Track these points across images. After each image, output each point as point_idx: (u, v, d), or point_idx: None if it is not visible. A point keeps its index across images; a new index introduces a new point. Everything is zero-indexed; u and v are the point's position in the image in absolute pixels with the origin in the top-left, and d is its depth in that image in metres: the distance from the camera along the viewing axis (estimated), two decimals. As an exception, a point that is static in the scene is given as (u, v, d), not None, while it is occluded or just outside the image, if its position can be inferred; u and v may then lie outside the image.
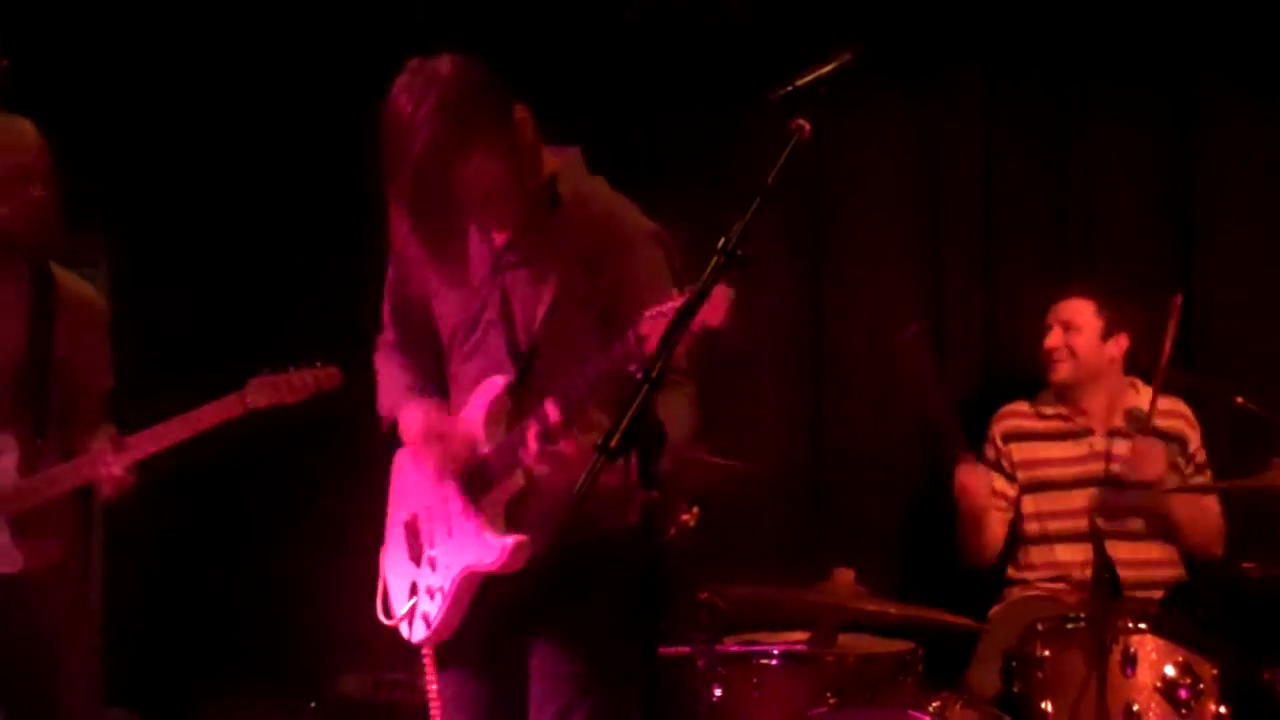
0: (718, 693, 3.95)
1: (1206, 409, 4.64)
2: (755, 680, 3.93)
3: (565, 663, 3.08)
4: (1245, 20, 4.93)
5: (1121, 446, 4.56)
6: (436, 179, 2.90)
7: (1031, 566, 4.61)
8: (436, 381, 3.27)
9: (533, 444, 2.86)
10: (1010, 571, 4.66)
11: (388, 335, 3.37)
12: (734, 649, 4.06)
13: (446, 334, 3.22)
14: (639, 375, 2.46)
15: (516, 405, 3.05)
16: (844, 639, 4.01)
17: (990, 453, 4.69)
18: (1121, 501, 4.50)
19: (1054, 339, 4.59)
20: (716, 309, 2.50)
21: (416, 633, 3.20)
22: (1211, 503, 4.58)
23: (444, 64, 2.97)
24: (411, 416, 3.16)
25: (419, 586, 3.20)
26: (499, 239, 3.14)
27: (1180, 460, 4.57)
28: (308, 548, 4.84)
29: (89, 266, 5.00)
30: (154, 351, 4.90)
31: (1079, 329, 4.56)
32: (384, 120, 2.94)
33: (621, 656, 2.85)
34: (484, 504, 3.07)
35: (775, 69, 2.64)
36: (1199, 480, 4.57)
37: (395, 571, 3.29)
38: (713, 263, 2.50)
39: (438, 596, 3.13)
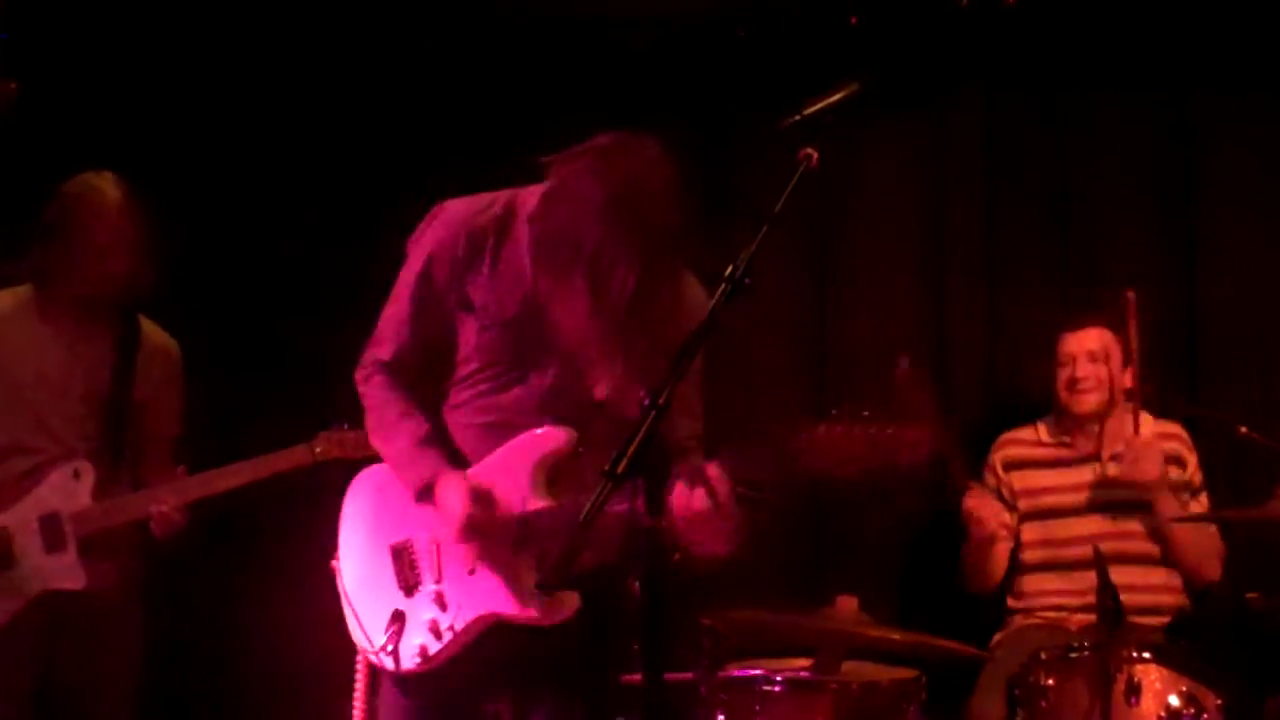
0: (720, 719, 3.94)
1: (1209, 439, 4.64)
2: (758, 707, 3.91)
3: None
4: (1245, 37, 4.95)
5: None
6: (654, 299, 2.86)
7: (1032, 595, 4.60)
8: (426, 408, 3.21)
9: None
10: (1010, 601, 4.65)
11: (381, 353, 3.22)
12: (737, 675, 4.05)
13: (476, 360, 3.12)
14: (646, 402, 2.47)
15: (580, 461, 3.01)
16: (847, 666, 4.00)
17: (990, 480, 4.69)
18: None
19: (1084, 369, 4.54)
20: (915, 451, 2.66)
21: (404, 663, 3.12)
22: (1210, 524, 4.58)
23: (652, 151, 2.95)
24: (454, 496, 3.02)
25: (408, 617, 3.13)
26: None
27: (1178, 479, 4.57)
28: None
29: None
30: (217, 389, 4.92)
31: (1104, 359, 4.54)
32: (588, 213, 2.85)
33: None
34: (525, 553, 3.02)
35: (780, 94, 2.65)
36: (1198, 501, 4.57)
37: (370, 598, 3.20)
38: (720, 290, 2.51)
39: (446, 635, 3.09)
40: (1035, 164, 5.18)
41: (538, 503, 3.00)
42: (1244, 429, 4.39)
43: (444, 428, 3.19)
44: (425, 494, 3.08)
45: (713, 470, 2.78)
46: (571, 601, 3.01)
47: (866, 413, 2.69)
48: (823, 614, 4.01)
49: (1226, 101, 5.03)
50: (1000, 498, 4.65)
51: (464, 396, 3.16)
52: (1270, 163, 5.02)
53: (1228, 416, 4.47)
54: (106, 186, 4.14)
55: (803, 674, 4.00)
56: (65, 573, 4.02)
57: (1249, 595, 4.25)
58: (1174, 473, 4.56)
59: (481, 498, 3.01)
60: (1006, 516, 4.62)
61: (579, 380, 3.00)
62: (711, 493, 2.77)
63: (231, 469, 4.16)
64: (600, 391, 2.95)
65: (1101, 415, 4.58)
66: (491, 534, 3.02)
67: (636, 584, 2.54)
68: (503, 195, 3.12)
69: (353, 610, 3.22)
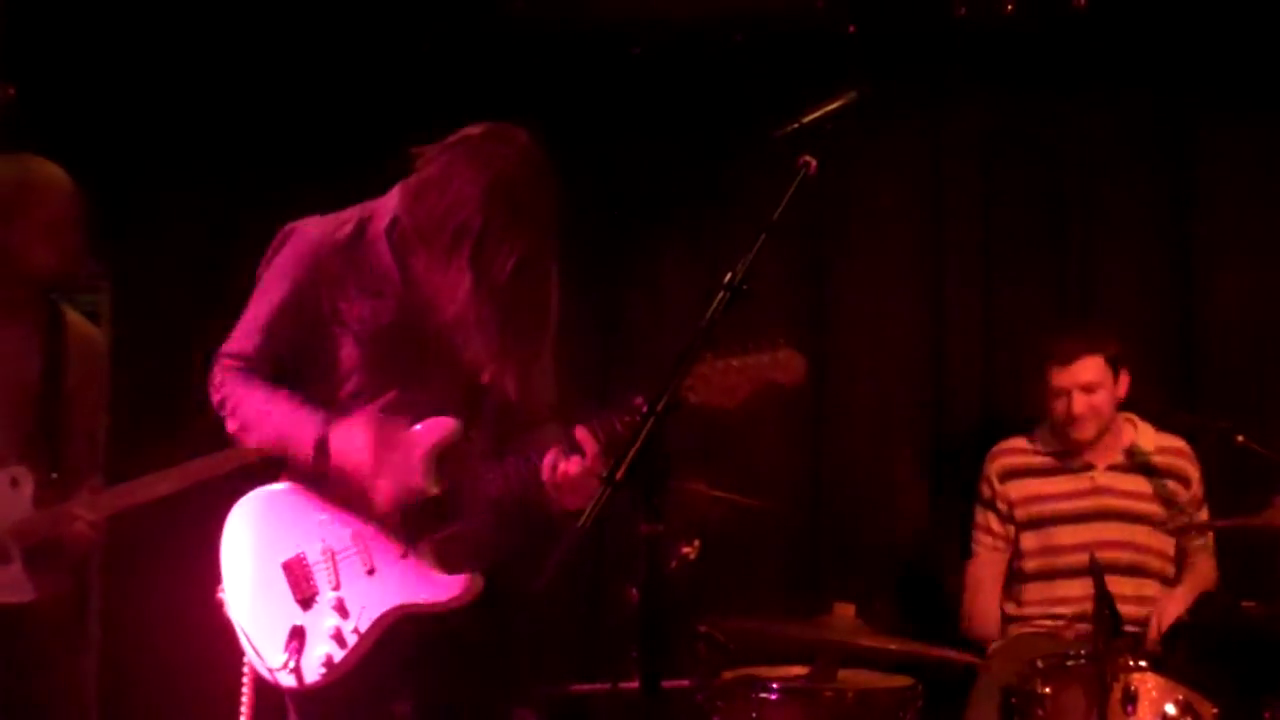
0: (717, 726, 3.94)
1: (1207, 448, 4.64)
2: (754, 714, 3.91)
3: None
4: (1243, 43, 4.96)
5: (1123, 481, 4.56)
6: (536, 279, 3.03)
7: (1029, 603, 4.60)
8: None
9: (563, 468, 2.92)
10: (1009, 608, 4.64)
11: (237, 361, 3.19)
12: (733, 682, 4.04)
13: (355, 362, 3.13)
14: (644, 408, 2.48)
15: (468, 446, 3.07)
16: (844, 674, 4.00)
17: (986, 491, 4.68)
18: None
19: (1080, 405, 4.50)
20: (793, 372, 2.81)
21: (307, 677, 3.10)
22: (1208, 565, 4.60)
23: (522, 148, 3.06)
24: (355, 433, 3.03)
25: (309, 630, 3.11)
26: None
27: (1180, 495, 4.57)
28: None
29: (91, 293, 5.02)
30: (155, 380, 4.90)
31: (1096, 388, 4.53)
32: (471, 196, 2.97)
33: None
34: (421, 543, 3.08)
35: (778, 101, 2.66)
36: (1200, 516, 4.58)
37: (265, 620, 3.17)
38: (719, 297, 2.52)
39: (351, 638, 3.09)
40: (1032, 170, 5.18)
41: (431, 490, 3.05)
42: (1241, 438, 4.39)
43: None
44: (321, 451, 3.06)
45: (581, 433, 2.91)
46: (476, 582, 3.06)
47: (739, 345, 2.83)
48: (820, 622, 4.01)
49: (1224, 108, 5.03)
50: (993, 509, 4.65)
51: (348, 409, 3.13)
52: (1267, 169, 5.02)
53: (1225, 425, 4.46)
54: (50, 168, 3.86)
55: (799, 681, 4.00)
56: (12, 587, 3.70)
57: (1245, 604, 4.25)
58: (1175, 488, 4.57)
59: (386, 422, 3.03)
60: (995, 524, 4.64)
61: (463, 368, 3.07)
62: (583, 456, 2.90)
63: (171, 473, 3.79)
64: (486, 375, 3.06)
65: (1097, 436, 4.59)
66: (405, 454, 3.03)
67: (634, 591, 2.55)
68: (353, 211, 3.18)
69: (246, 637, 3.20)
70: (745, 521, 4.52)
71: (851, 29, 5.06)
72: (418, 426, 3.08)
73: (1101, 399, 4.53)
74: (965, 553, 4.71)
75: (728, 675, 4.07)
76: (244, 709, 3.97)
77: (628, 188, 5.28)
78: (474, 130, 3.06)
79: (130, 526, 3.89)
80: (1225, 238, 5.03)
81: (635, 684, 2.63)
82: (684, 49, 5.22)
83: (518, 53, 5.16)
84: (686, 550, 4.08)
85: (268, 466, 3.27)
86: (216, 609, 3.29)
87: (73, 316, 3.95)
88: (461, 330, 3.02)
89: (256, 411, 3.14)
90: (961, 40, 5.09)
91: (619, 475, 2.42)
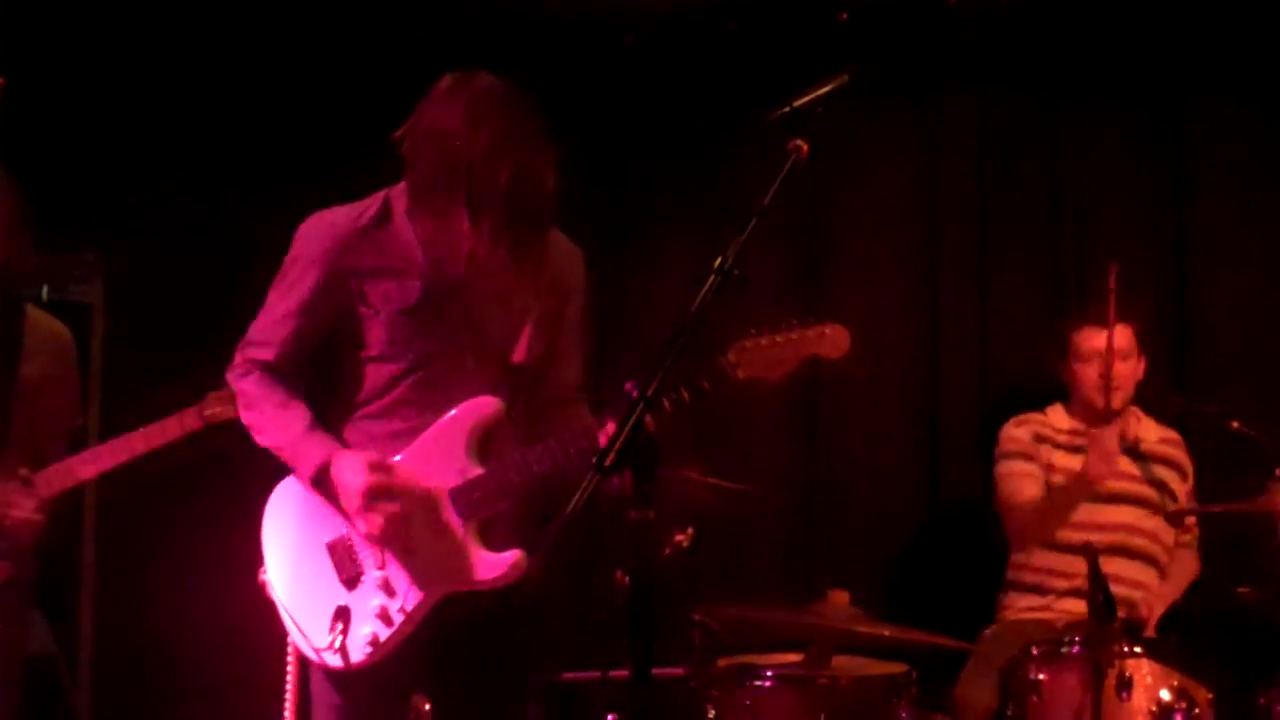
0: (711, 714, 3.94)
1: (1202, 434, 4.65)
2: (749, 702, 3.91)
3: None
4: (1237, 38, 4.96)
5: (1126, 465, 4.54)
6: (534, 189, 3.03)
7: (1025, 568, 4.58)
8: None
9: None
10: (1009, 574, 4.63)
11: (260, 355, 3.20)
12: (727, 669, 4.04)
13: (384, 346, 3.14)
14: (635, 394, 2.47)
15: (510, 426, 3.10)
16: (838, 661, 4.00)
17: (1017, 445, 4.61)
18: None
19: (1121, 368, 4.46)
20: (839, 346, 2.95)
21: (354, 657, 3.10)
22: (1191, 560, 4.63)
23: (495, 80, 3.10)
24: (351, 470, 3.05)
25: (354, 610, 3.12)
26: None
27: (1179, 487, 4.58)
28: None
29: (84, 283, 5.01)
30: (147, 367, 4.89)
31: (1129, 355, 4.53)
32: (454, 130, 3.02)
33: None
34: (466, 522, 3.09)
35: (771, 88, 2.65)
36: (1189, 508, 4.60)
37: (310, 601, 3.18)
38: (710, 281, 2.51)
39: (397, 618, 3.10)
40: (1027, 163, 5.19)
41: (475, 470, 3.07)
42: (1236, 423, 4.39)
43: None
44: (321, 477, 3.09)
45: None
46: (523, 560, 3.07)
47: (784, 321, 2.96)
48: (814, 608, 4.01)
49: (1218, 101, 5.04)
50: (1032, 459, 4.60)
51: (382, 403, 3.16)
52: (1261, 163, 5.03)
53: (1221, 411, 4.46)
54: None
55: (794, 669, 4.00)
56: None
57: (1240, 589, 4.24)
58: (1174, 479, 4.58)
59: (380, 466, 3.05)
60: (1035, 470, 4.59)
61: (494, 346, 3.12)
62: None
63: (112, 444, 3.79)
64: (518, 354, 3.11)
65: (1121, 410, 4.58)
66: (397, 502, 3.04)
67: (625, 577, 2.54)
68: (375, 197, 3.20)
69: (291, 618, 3.20)
70: (739, 508, 4.51)
71: (843, 16, 5.05)
72: (458, 408, 3.10)
73: (1131, 369, 4.52)
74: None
75: (722, 663, 4.07)
76: (288, 691, 3.95)
77: (622, 176, 5.27)
78: (444, 81, 3.12)
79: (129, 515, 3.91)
80: (1220, 230, 5.04)
81: (627, 672, 2.61)
82: (677, 37, 5.21)
83: (510, 42, 5.14)
84: (680, 538, 4.07)
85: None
86: (260, 590, 3.29)
87: (36, 313, 3.92)
88: (474, 282, 3.04)
89: (268, 418, 3.17)
90: (954, 31, 5.08)
91: (608, 461, 2.41)
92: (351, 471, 3.05)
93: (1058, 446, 4.62)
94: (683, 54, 5.23)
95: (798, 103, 2.64)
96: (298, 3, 5.18)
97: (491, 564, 3.07)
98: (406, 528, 3.06)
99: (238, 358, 3.24)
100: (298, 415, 3.15)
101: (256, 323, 3.24)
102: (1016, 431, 4.66)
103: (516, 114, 3.06)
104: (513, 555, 3.07)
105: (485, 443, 3.10)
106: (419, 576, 3.10)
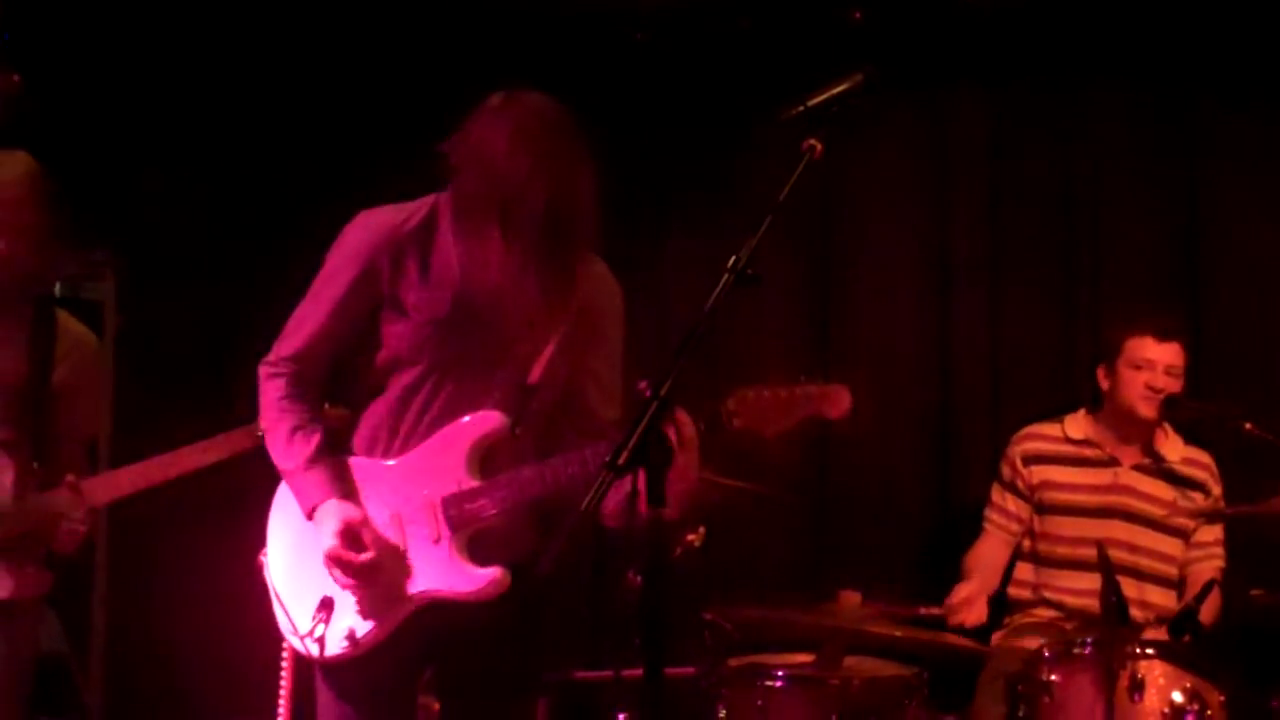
0: (722, 714, 3.94)
1: (1216, 436, 4.63)
2: (760, 702, 3.91)
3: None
4: (1248, 39, 4.94)
5: (1145, 483, 4.54)
6: (571, 214, 3.04)
7: (1034, 585, 4.58)
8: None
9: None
10: (1011, 590, 4.62)
11: (288, 349, 3.22)
12: (738, 669, 4.04)
13: (404, 349, 3.15)
14: (648, 393, 2.47)
15: (514, 443, 3.10)
16: (849, 661, 4.00)
17: (1007, 472, 4.64)
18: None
19: (1163, 380, 4.44)
20: (839, 407, 2.87)
21: (330, 648, 3.13)
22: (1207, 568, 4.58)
23: (543, 100, 3.11)
24: (327, 528, 3.10)
25: (337, 603, 3.14)
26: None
27: (1199, 502, 4.56)
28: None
29: (95, 281, 5.02)
30: (160, 366, 4.90)
31: (1178, 374, 4.50)
32: (497, 151, 3.01)
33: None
34: (456, 532, 3.10)
35: (784, 86, 2.65)
36: (1213, 529, 4.57)
37: (299, 586, 3.21)
38: (723, 281, 2.50)
39: (375, 617, 3.12)
40: (1039, 164, 5.17)
41: (471, 482, 3.09)
42: (1249, 425, 4.36)
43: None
44: (311, 515, 3.15)
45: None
46: (504, 578, 3.08)
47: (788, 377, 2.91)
48: (825, 609, 4.01)
49: (1229, 102, 5.02)
50: (1014, 490, 4.62)
51: (398, 394, 3.18)
52: (1272, 164, 5.01)
53: (1233, 412, 4.44)
54: (14, 155, 3.79)
55: (805, 669, 3.99)
56: None
57: (1253, 592, 4.23)
58: (1194, 498, 4.56)
59: (352, 537, 3.09)
60: (1013, 505, 4.60)
61: (514, 367, 3.12)
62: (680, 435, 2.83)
63: (168, 458, 3.80)
64: (534, 375, 3.11)
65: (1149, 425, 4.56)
66: (353, 572, 3.09)
67: (637, 577, 2.54)
68: (426, 201, 3.19)
69: (279, 599, 3.24)
70: (750, 508, 4.51)
71: (857, 15, 5.04)
72: (466, 419, 3.11)
73: (1176, 386, 4.50)
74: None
75: (733, 662, 4.07)
76: (282, 693, 3.97)
77: (634, 174, 5.26)
78: (494, 99, 3.11)
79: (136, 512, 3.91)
80: (1230, 228, 5.02)
81: (639, 672, 2.61)
82: (689, 34, 5.20)
83: (522, 40, 5.14)
84: (691, 537, 4.08)
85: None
86: (256, 571, 3.32)
87: (65, 318, 3.94)
88: (501, 303, 3.04)
89: (278, 440, 3.20)
90: (967, 29, 5.07)
91: (621, 460, 2.41)
92: (329, 530, 3.09)
93: (1059, 461, 4.59)
94: (695, 52, 5.22)
95: (812, 102, 2.64)
96: (313, 2, 5.18)
97: (472, 577, 3.09)
98: (374, 574, 3.09)
99: (272, 353, 3.26)
100: (302, 448, 3.17)
101: (295, 313, 3.26)
102: (1011, 451, 4.66)
103: (560, 138, 3.06)
104: (494, 572, 3.08)
105: (487, 457, 3.10)
106: (402, 579, 3.12)
